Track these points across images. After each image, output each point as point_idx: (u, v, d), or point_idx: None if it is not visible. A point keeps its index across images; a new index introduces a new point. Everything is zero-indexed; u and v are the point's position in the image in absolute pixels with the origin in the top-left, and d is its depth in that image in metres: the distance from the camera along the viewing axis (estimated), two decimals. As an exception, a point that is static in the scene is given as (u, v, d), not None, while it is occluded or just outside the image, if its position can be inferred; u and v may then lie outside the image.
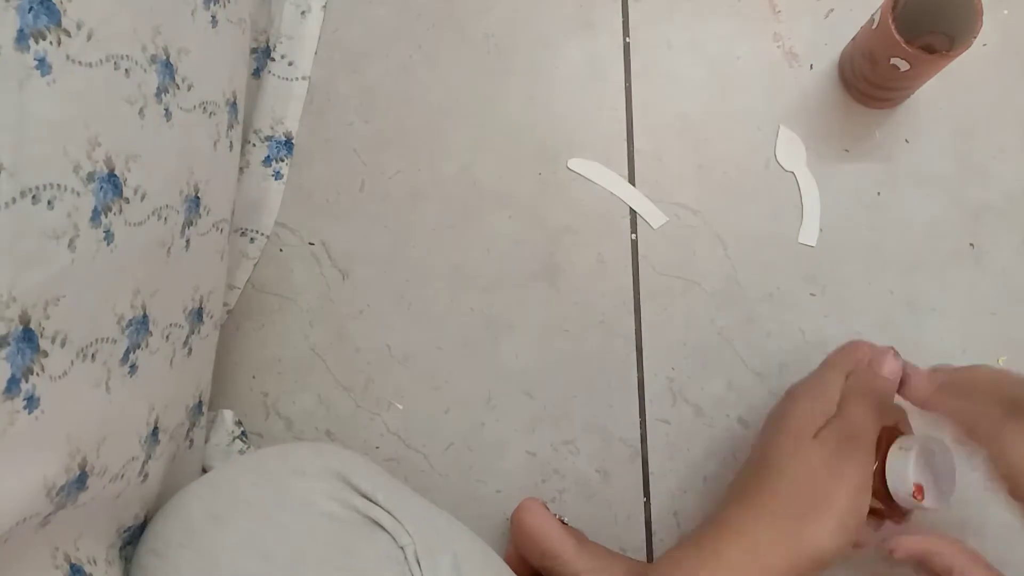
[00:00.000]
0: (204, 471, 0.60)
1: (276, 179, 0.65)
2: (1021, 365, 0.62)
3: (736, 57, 0.65)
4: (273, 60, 0.65)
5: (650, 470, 0.63)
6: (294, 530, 0.46)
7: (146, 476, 0.47)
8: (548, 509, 0.58)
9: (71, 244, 0.36)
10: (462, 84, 0.66)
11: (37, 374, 0.35)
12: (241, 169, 0.63)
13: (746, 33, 0.65)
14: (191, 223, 0.49)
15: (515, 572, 0.53)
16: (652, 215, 0.64)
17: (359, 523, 0.48)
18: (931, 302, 0.63)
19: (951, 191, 0.63)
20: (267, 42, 0.65)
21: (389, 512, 0.48)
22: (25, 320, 0.34)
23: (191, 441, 0.57)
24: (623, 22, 0.66)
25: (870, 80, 0.60)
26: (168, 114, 0.44)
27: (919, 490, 0.50)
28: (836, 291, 0.63)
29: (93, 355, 0.39)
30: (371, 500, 0.49)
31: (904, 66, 0.55)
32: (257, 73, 0.65)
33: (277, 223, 0.66)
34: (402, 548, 0.47)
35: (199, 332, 0.54)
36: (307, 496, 0.48)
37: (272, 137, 0.65)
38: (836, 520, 0.47)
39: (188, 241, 0.49)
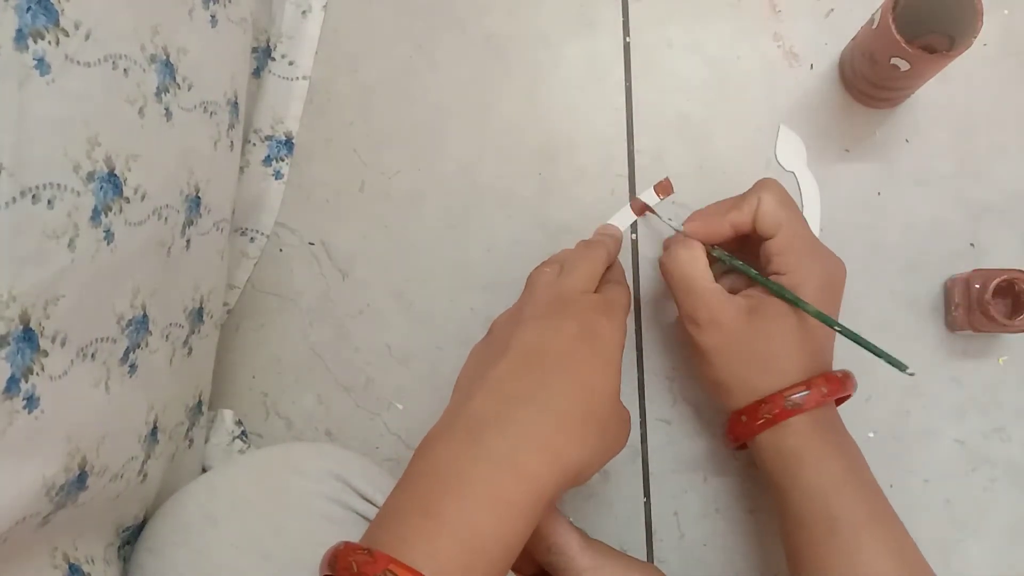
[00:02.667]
0: (204, 471, 0.60)
1: (276, 178, 0.65)
2: (1020, 365, 0.62)
3: (736, 57, 0.65)
4: (273, 60, 0.65)
5: (650, 470, 0.63)
6: (292, 531, 0.46)
7: (145, 476, 0.47)
8: (555, 505, 0.58)
9: (71, 244, 0.36)
10: (462, 84, 0.66)
11: (37, 374, 0.35)
12: (241, 168, 0.63)
13: (746, 33, 0.65)
14: (191, 223, 0.49)
15: (516, 570, 0.53)
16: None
17: (358, 525, 0.48)
18: (932, 302, 0.63)
19: (951, 191, 0.63)
20: (267, 41, 0.65)
21: (388, 513, 0.48)
22: (25, 320, 0.34)
23: (191, 441, 0.57)
24: (623, 22, 0.66)
25: (870, 80, 0.60)
26: (168, 114, 0.44)
27: None
28: (836, 291, 0.63)
29: (93, 355, 0.39)
30: (370, 502, 0.49)
31: (904, 66, 0.55)
32: (257, 72, 0.65)
33: (277, 223, 0.66)
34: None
35: (199, 332, 0.54)
36: (306, 497, 0.48)
37: (272, 136, 0.65)
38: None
39: (188, 241, 0.49)
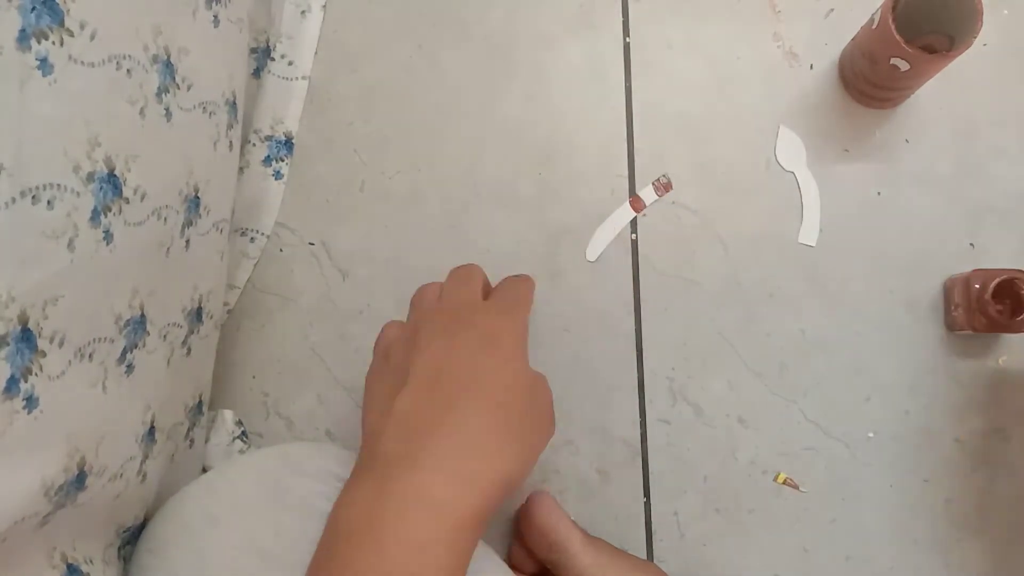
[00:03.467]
0: (204, 471, 0.60)
1: (276, 179, 0.65)
2: (1020, 365, 0.62)
3: (736, 57, 0.65)
4: (273, 60, 0.65)
5: (650, 470, 0.63)
6: (293, 530, 0.46)
7: (144, 476, 0.47)
8: (557, 503, 0.58)
9: (70, 244, 0.36)
10: (462, 84, 0.66)
11: (36, 374, 0.35)
12: (241, 169, 0.63)
13: (746, 33, 0.65)
14: (191, 223, 0.49)
15: (516, 571, 0.53)
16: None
17: (358, 523, 0.48)
18: (932, 302, 0.63)
19: (951, 191, 0.63)
20: (267, 42, 0.65)
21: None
22: (24, 320, 0.34)
23: (191, 441, 0.57)
24: (623, 22, 0.66)
25: (870, 80, 0.60)
26: (168, 114, 0.44)
27: None
28: (836, 291, 0.63)
29: (90, 355, 0.39)
30: (370, 500, 0.49)
31: (904, 66, 0.55)
32: (257, 73, 0.65)
33: (277, 223, 0.66)
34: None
35: (198, 332, 0.54)
36: (306, 497, 0.48)
37: (272, 137, 0.65)
38: None
39: (188, 241, 0.49)
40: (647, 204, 0.64)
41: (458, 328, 0.45)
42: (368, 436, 0.44)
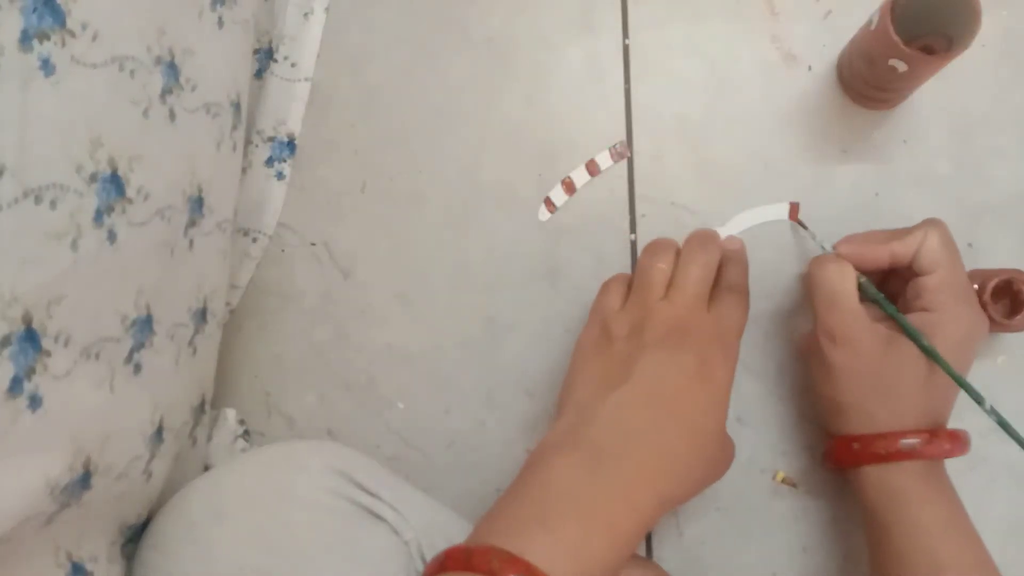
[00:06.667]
0: (206, 469, 0.61)
1: (278, 179, 0.66)
2: (1019, 365, 0.62)
3: (735, 59, 0.66)
4: (276, 61, 0.66)
5: (650, 469, 0.63)
6: (298, 523, 0.47)
7: (150, 475, 0.48)
8: None
9: (73, 244, 0.36)
10: (463, 85, 0.67)
11: (40, 374, 0.35)
12: (244, 169, 0.63)
13: (745, 35, 0.66)
14: (194, 223, 0.49)
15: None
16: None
17: (363, 517, 0.48)
18: (930, 302, 0.63)
19: (950, 192, 0.64)
20: (270, 43, 0.65)
21: (392, 507, 0.49)
22: (27, 320, 0.34)
23: (194, 440, 0.57)
24: (623, 24, 0.66)
25: (868, 81, 0.60)
26: (172, 115, 0.44)
27: None
28: (835, 291, 0.63)
29: (97, 354, 0.40)
30: (374, 496, 0.49)
31: (902, 67, 0.55)
32: (260, 74, 0.65)
33: (279, 223, 0.66)
34: (406, 543, 0.48)
35: (203, 331, 0.54)
36: (310, 491, 0.48)
37: (274, 138, 0.66)
38: None
39: (191, 241, 0.49)
40: (602, 169, 0.64)
41: (681, 348, 0.48)
42: (577, 408, 0.48)
